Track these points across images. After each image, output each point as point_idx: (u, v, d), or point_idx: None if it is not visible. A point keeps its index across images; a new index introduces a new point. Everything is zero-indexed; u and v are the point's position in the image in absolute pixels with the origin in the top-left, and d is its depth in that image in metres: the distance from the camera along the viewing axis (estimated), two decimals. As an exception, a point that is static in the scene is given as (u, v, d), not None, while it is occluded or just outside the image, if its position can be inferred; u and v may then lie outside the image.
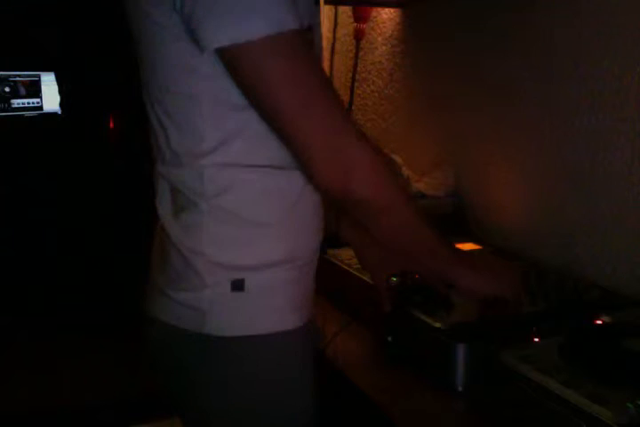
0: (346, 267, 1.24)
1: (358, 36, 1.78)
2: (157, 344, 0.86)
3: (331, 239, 0.91)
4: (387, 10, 1.79)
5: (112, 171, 3.81)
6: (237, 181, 0.77)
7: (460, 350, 0.91)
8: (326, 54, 1.97)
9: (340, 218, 0.96)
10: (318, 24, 0.83)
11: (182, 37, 0.71)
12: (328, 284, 0.94)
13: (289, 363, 0.83)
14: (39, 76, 3.97)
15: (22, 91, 3.95)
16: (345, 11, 1.91)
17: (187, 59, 0.73)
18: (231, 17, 0.67)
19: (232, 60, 0.70)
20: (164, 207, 0.83)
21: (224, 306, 0.79)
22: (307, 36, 0.74)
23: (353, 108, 1.95)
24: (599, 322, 0.96)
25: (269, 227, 0.80)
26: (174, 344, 0.83)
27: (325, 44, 1.96)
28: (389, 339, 1.07)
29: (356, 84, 1.91)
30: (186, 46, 0.72)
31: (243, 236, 0.79)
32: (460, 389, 0.92)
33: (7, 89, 3.89)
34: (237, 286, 0.78)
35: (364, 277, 1.17)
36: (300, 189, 0.81)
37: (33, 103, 3.98)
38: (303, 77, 0.71)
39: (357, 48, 1.82)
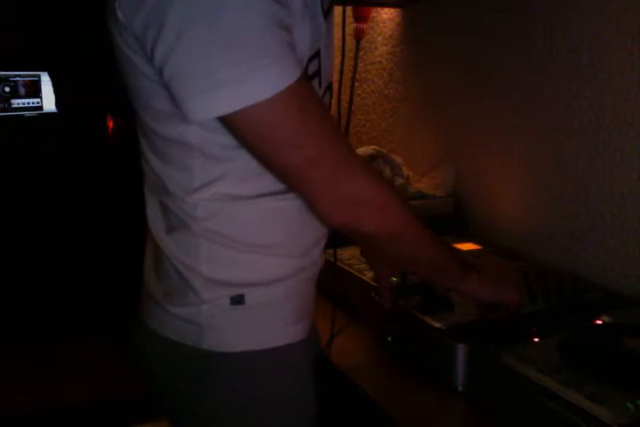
0: (346, 267, 1.24)
1: (358, 36, 1.78)
2: (152, 354, 0.84)
3: (330, 239, 0.91)
4: (387, 10, 1.79)
5: (111, 171, 3.81)
6: (230, 207, 0.75)
7: (460, 350, 0.91)
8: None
9: None
10: (328, 38, 0.78)
11: (165, 97, 0.68)
12: (328, 284, 0.94)
13: (291, 377, 0.82)
14: (39, 76, 3.97)
15: (22, 91, 3.95)
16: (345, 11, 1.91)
17: (172, 106, 0.68)
18: (216, 90, 0.62)
19: (227, 124, 0.67)
20: (155, 221, 0.81)
21: (223, 321, 0.77)
22: (307, 73, 0.71)
23: (353, 108, 1.95)
24: (599, 322, 0.96)
25: (269, 248, 0.77)
26: (171, 358, 0.80)
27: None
28: (389, 339, 1.07)
29: (356, 84, 1.91)
30: (170, 95, 0.67)
31: (240, 257, 0.77)
32: (460, 389, 0.92)
33: (7, 89, 3.89)
34: (237, 300, 0.76)
35: (364, 278, 1.17)
36: (297, 209, 0.78)
37: (33, 103, 3.98)
38: (306, 134, 0.67)
39: (357, 48, 1.82)
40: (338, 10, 1.90)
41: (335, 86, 0.87)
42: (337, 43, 0.96)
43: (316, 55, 0.74)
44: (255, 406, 0.79)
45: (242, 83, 0.61)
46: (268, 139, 0.66)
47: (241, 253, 0.76)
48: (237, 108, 0.63)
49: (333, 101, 0.88)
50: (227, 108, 0.63)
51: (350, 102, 1.84)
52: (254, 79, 0.61)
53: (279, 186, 0.75)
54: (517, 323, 0.93)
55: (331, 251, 1.27)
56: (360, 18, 1.76)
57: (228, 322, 0.77)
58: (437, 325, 0.96)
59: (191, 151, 0.72)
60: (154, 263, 0.83)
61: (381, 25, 1.83)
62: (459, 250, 0.91)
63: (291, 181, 0.71)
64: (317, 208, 0.72)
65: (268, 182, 0.74)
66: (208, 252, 0.76)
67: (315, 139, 0.68)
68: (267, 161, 0.70)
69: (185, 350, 0.78)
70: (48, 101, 4.00)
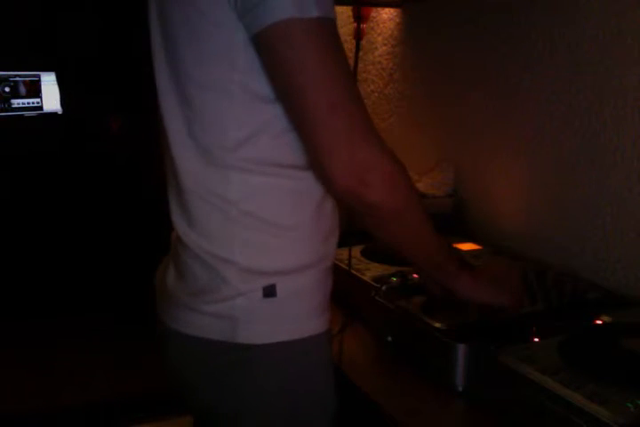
0: (346, 267, 1.24)
1: (358, 36, 1.78)
2: (181, 358, 0.85)
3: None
4: (387, 10, 1.79)
5: (112, 170, 3.81)
6: (264, 184, 0.77)
7: (460, 350, 0.91)
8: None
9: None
10: None
11: (229, 30, 0.71)
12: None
13: (320, 365, 0.84)
14: (39, 76, 3.97)
15: (22, 91, 3.95)
16: (345, 11, 1.91)
17: (227, 52, 0.72)
18: None
19: (278, 38, 0.69)
20: (178, 219, 0.82)
21: (256, 313, 0.78)
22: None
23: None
24: (599, 322, 0.96)
25: (298, 229, 0.79)
26: (202, 356, 0.81)
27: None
28: (389, 339, 1.07)
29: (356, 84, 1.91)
30: (229, 39, 0.72)
31: (272, 240, 0.78)
32: (459, 389, 0.92)
33: (7, 89, 3.90)
34: (269, 292, 0.78)
35: (364, 278, 1.17)
36: (316, 191, 0.80)
37: (33, 103, 3.98)
38: (338, 73, 0.70)
39: (357, 48, 1.82)
40: (339, 10, 1.90)
41: None
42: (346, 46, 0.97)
43: None
44: (290, 394, 0.81)
45: None
46: (304, 69, 0.69)
47: (272, 237, 0.78)
48: (300, 14, 0.66)
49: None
50: (292, 11, 0.66)
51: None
52: None
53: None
54: (517, 323, 0.93)
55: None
56: (360, 18, 1.76)
57: (262, 315, 0.78)
58: (437, 325, 0.96)
59: (231, 101, 0.74)
60: (175, 265, 0.85)
61: (381, 25, 1.83)
62: (457, 249, 0.92)
63: (308, 125, 0.71)
64: (328, 171, 0.71)
65: (299, 152, 0.77)
66: (242, 238, 0.77)
67: (342, 88, 0.70)
68: (292, 98, 0.71)
69: (217, 345, 0.78)
70: (48, 101, 4.00)
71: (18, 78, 3.92)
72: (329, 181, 0.73)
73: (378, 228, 0.81)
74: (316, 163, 0.74)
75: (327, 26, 0.69)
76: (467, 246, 1.36)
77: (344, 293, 1.22)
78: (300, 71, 0.69)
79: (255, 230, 0.77)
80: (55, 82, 3.99)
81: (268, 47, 0.70)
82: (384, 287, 1.10)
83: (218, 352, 0.79)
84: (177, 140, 0.80)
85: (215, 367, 0.80)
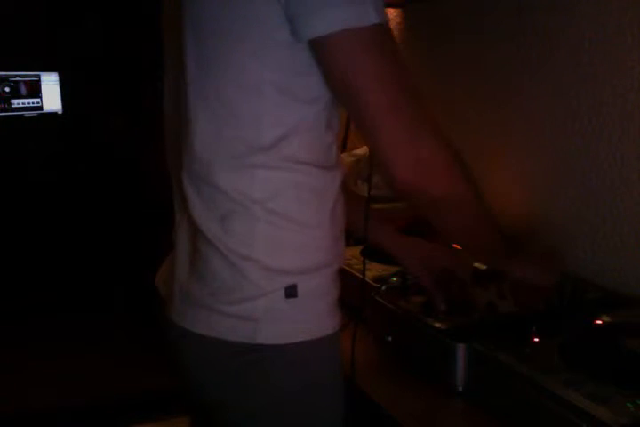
0: (346, 267, 1.24)
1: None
2: (195, 358, 0.84)
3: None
4: (387, 10, 1.78)
5: (112, 170, 3.82)
6: (288, 182, 0.77)
7: (460, 350, 0.91)
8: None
9: (368, 221, 0.95)
10: None
11: (265, 27, 0.71)
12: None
13: (333, 364, 0.84)
14: (39, 76, 3.97)
15: (22, 91, 3.95)
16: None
17: (258, 50, 0.73)
18: (342, 3, 0.68)
19: (332, 47, 0.70)
20: (202, 214, 0.80)
21: (277, 314, 0.78)
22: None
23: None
24: (599, 322, 0.96)
25: (318, 228, 0.80)
26: (218, 357, 0.81)
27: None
28: (389, 339, 1.07)
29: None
30: (262, 37, 0.72)
31: (294, 239, 0.79)
32: (460, 389, 0.92)
33: (7, 89, 3.90)
34: (291, 292, 0.78)
35: (365, 277, 1.17)
36: (338, 189, 0.82)
37: (33, 103, 3.99)
38: (397, 74, 0.72)
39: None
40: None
41: None
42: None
43: None
44: (305, 393, 0.81)
45: (361, 3, 0.69)
46: (363, 75, 0.71)
47: (295, 235, 0.78)
48: (355, 24, 0.68)
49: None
50: (346, 22, 0.68)
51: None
52: (371, 4, 0.69)
53: (331, 157, 0.80)
54: (517, 323, 0.93)
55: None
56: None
57: (283, 315, 0.78)
58: (437, 325, 0.96)
59: (265, 101, 0.74)
60: (190, 265, 0.83)
61: (381, 25, 1.83)
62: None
63: (370, 126, 0.73)
64: (391, 163, 0.73)
65: (324, 151, 0.79)
66: (265, 237, 0.77)
67: (401, 88, 0.73)
68: (352, 100, 0.73)
69: (234, 346, 0.78)
70: (48, 101, 4.00)
71: (18, 78, 3.92)
72: (394, 179, 0.75)
73: (436, 218, 0.85)
74: (380, 162, 0.76)
75: (383, 31, 0.72)
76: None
77: (344, 293, 1.22)
78: (360, 76, 0.71)
79: (279, 228, 0.78)
80: (55, 82, 3.99)
81: (326, 54, 0.71)
82: (384, 287, 1.10)
83: (234, 353, 0.79)
84: (204, 139, 0.78)
85: (231, 368, 0.80)
